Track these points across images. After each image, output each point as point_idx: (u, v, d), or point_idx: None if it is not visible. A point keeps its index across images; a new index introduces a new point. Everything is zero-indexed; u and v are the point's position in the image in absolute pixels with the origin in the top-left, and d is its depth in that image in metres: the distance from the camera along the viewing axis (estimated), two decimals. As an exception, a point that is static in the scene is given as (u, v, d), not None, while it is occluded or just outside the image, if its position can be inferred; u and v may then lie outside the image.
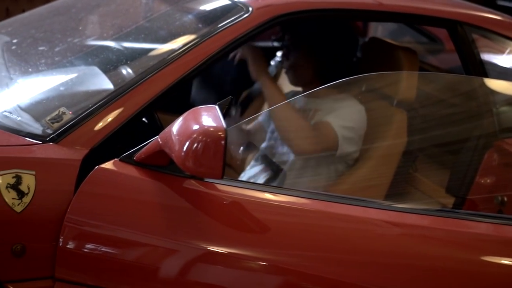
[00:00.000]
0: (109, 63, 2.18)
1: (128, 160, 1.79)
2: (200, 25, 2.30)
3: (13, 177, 1.70)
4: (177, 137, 1.65)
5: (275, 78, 2.76)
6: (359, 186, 2.34)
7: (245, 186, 1.92)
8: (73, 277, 1.73)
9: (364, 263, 1.81)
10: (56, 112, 1.90)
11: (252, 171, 2.46)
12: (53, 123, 1.87)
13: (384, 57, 2.55)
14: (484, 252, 1.92)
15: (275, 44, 2.81)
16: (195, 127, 1.64)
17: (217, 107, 1.70)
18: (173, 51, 2.04)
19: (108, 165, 1.78)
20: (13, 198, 1.69)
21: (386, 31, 4.12)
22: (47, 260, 1.71)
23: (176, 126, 1.68)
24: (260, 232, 1.79)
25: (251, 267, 1.77)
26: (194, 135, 1.62)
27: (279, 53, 2.89)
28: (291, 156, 2.39)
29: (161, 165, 1.78)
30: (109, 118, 1.86)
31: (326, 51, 2.46)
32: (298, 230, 1.82)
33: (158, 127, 2.01)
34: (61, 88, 2.12)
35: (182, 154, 1.62)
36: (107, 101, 1.89)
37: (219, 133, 1.61)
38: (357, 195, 2.00)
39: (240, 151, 2.66)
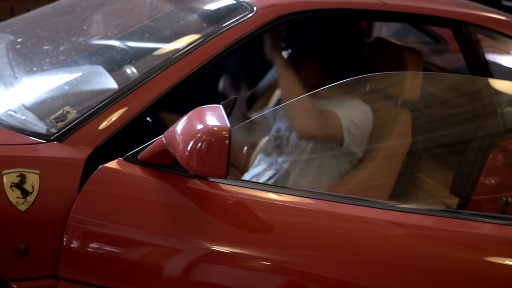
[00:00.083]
0: (113, 62, 2.18)
1: (132, 160, 1.79)
2: (204, 25, 2.30)
3: (17, 176, 1.70)
4: (181, 137, 1.65)
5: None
6: (363, 186, 2.33)
7: (249, 186, 1.92)
8: (77, 276, 1.73)
9: (368, 263, 1.81)
10: (61, 111, 1.90)
11: (256, 170, 2.46)
12: (57, 122, 1.87)
13: (389, 57, 2.55)
14: (488, 252, 1.91)
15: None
16: (199, 126, 1.64)
17: (221, 106, 1.70)
18: (177, 50, 2.04)
19: (112, 164, 1.78)
20: (17, 197, 1.69)
21: (391, 31, 4.11)
22: (51, 259, 1.71)
23: (180, 126, 1.68)
24: (264, 232, 1.79)
25: (254, 267, 1.77)
26: (198, 135, 1.62)
27: (284, 55, 2.88)
28: (295, 156, 2.39)
29: (165, 164, 1.78)
30: (113, 117, 1.86)
31: (332, 53, 2.46)
32: (302, 230, 1.82)
33: (162, 127, 2.01)
34: (66, 87, 2.12)
35: (186, 153, 1.62)
36: (112, 100, 1.89)
37: (223, 133, 1.61)
38: (361, 195, 2.00)
39: (244, 151, 2.66)
